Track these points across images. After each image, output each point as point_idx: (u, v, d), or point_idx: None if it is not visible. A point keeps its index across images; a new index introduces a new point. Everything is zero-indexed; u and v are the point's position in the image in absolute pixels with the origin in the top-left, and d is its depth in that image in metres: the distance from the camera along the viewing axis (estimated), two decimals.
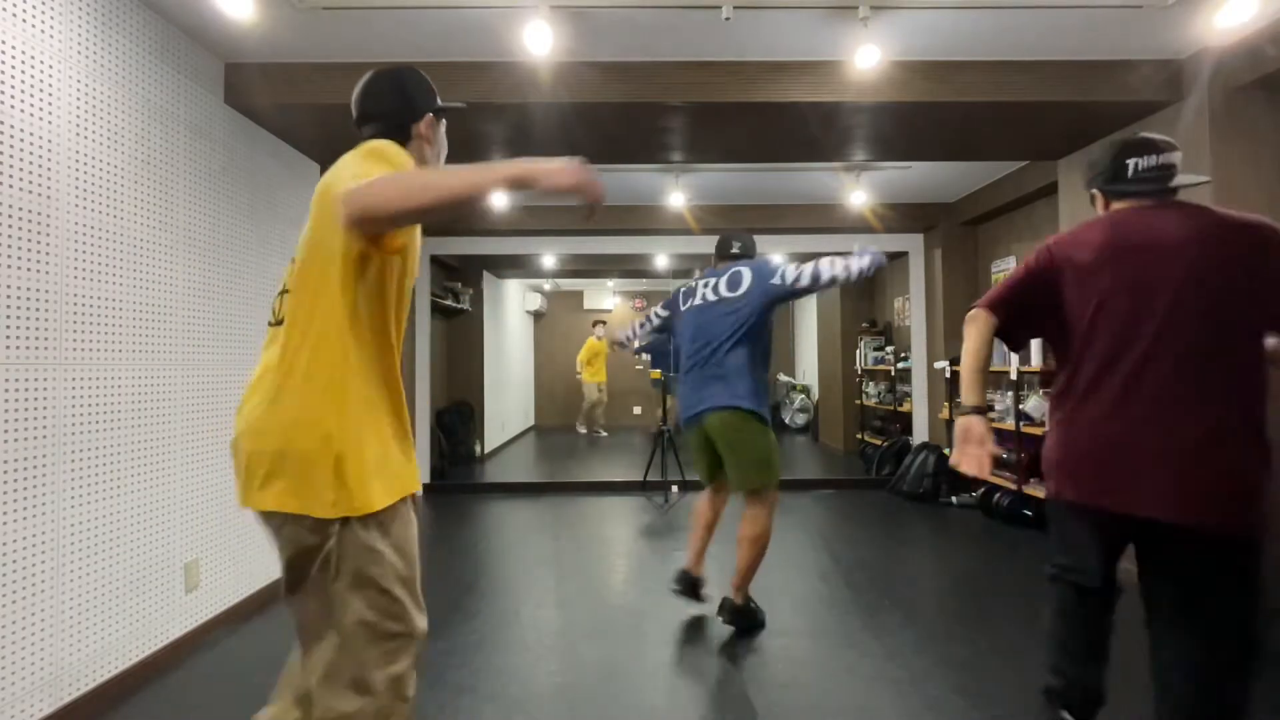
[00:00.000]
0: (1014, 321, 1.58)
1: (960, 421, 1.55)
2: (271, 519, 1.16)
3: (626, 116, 3.17)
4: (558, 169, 1.10)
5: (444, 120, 1.49)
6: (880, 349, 7.11)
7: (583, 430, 9.48)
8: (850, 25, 2.64)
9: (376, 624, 1.14)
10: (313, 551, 1.14)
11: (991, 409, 4.95)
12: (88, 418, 2.14)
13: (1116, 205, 1.52)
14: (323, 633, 1.15)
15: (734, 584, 2.72)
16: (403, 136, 1.35)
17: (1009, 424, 4.54)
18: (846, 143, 3.61)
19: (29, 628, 1.93)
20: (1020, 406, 4.41)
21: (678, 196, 4.74)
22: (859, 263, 2.53)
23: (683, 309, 2.81)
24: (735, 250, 2.80)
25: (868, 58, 2.66)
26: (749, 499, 2.65)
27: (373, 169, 1.18)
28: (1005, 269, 5.15)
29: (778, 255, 2.75)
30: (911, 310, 6.03)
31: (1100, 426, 1.42)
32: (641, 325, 3.12)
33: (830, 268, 2.49)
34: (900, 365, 6.51)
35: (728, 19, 2.52)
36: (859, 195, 4.81)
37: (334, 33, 2.70)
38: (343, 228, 1.09)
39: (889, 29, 2.68)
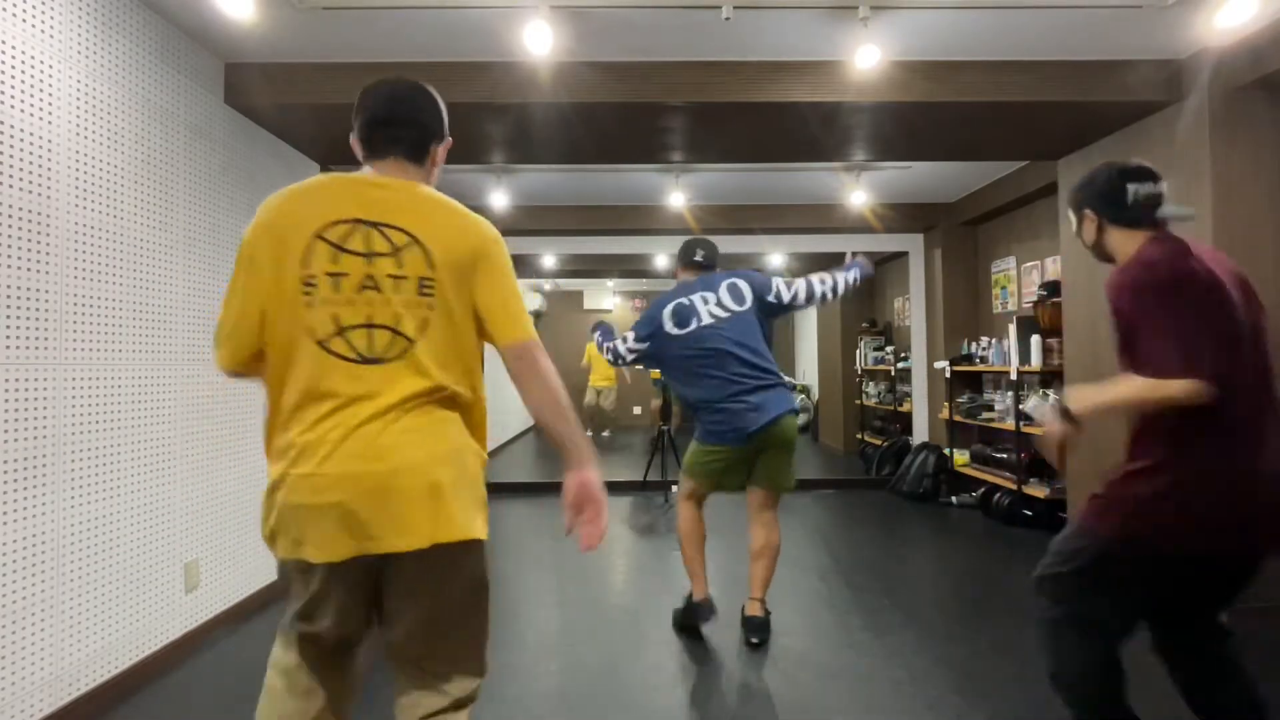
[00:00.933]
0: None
1: (1061, 428, 1.47)
2: (449, 550, 1.17)
3: (626, 116, 3.17)
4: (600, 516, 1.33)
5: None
6: (880, 349, 7.11)
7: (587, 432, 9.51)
8: (850, 25, 2.64)
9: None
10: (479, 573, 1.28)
11: (991, 408, 4.96)
12: (88, 418, 2.14)
13: (1116, 231, 1.53)
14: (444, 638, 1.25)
15: (758, 597, 2.63)
16: (421, 157, 1.31)
17: (1009, 424, 4.54)
18: (846, 143, 3.62)
19: (29, 628, 1.93)
20: (1020, 406, 4.41)
21: (678, 196, 4.74)
22: (847, 275, 2.67)
23: (680, 332, 2.57)
24: (699, 258, 2.70)
25: (868, 58, 2.66)
26: (768, 504, 2.64)
27: (529, 327, 1.30)
28: (1005, 269, 5.15)
29: (775, 280, 2.69)
30: (911, 310, 6.03)
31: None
32: (615, 359, 2.73)
33: (821, 284, 2.64)
34: (900, 365, 6.51)
35: (728, 19, 2.52)
36: (859, 195, 4.81)
37: (334, 33, 2.70)
38: (509, 360, 1.26)
39: (889, 29, 2.68)
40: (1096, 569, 1.45)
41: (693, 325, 2.56)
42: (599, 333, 2.88)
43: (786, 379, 2.66)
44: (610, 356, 2.72)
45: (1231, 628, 1.49)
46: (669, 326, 2.59)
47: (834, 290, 2.66)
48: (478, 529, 1.20)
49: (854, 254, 2.88)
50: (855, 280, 2.72)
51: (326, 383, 1.14)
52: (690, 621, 2.66)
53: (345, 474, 1.10)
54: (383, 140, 1.27)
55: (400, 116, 1.28)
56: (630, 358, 2.69)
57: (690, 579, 2.68)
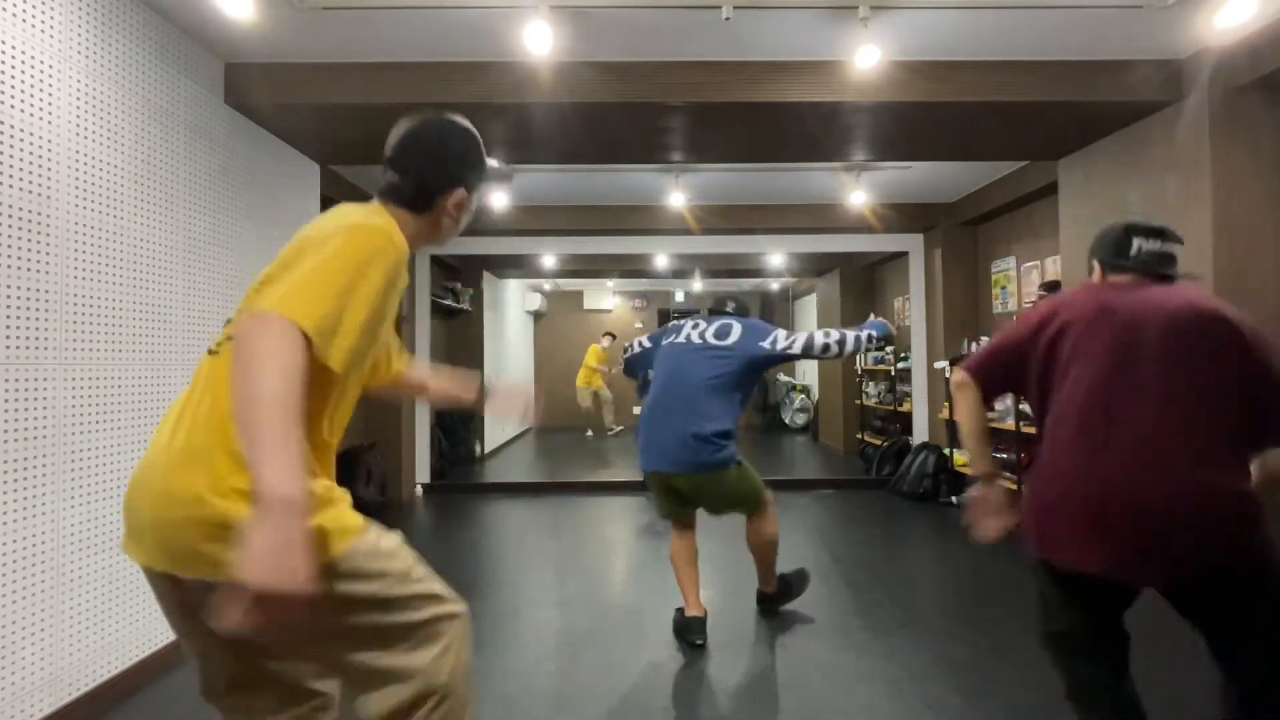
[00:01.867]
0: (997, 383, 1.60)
1: (974, 494, 1.57)
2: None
3: (626, 116, 3.17)
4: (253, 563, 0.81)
5: (478, 191, 1.29)
6: (880, 349, 7.11)
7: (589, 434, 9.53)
8: (850, 25, 2.64)
9: None
10: None
11: (992, 409, 4.95)
12: (88, 418, 2.14)
13: (1112, 278, 1.54)
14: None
15: (763, 582, 2.87)
16: (422, 204, 1.18)
17: (1009, 424, 4.54)
18: (846, 143, 3.61)
19: (29, 628, 1.93)
20: (1020, 406, 4.41)
21: (678, 196, 4.74)
22: (860, 332, 2.53)
23: (664, 343, 2.71)
24: (729, 310, 2.75)
25: (868, 58, 2.66)
26: (749, 517, 2.73)
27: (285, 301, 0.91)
28: (1005, 269, 5.15)
29: (777, 330, 2.62)
30: (911, 310, 6.03)
31: None
32: (625, 351, 3.00)
33: (825, 337, 2.51)
34: (900, 365, 6.51)
35: (728, 19, 2.52)
36: (859, 195, 4.81)
37: (334, 33, 2.70)
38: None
39: (889, 29, 2.68)
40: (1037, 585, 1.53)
41: (670, 339, 2.69)
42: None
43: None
44: (626, 350, 2.97)
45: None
46: (663, 337, 2.75)
47: (840, 344, 2.48)
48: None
49: (875, 315, 2.89)
50: (871, 339, 2.56)
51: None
52: (684, 636, 2.63)
53: None
54: (383, 184, 1.20)
55: (396, 159, 1.18)
56: (636, 350, 2.90)
57: (682, 595, 2.69)
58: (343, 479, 1.11)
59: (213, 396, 1.00)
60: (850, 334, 2.51)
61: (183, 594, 1.03)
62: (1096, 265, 1.59)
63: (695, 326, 2.66)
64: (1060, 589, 1.46)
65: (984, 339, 5.12)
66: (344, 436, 1.18)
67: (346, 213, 1.07)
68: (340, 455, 1.20)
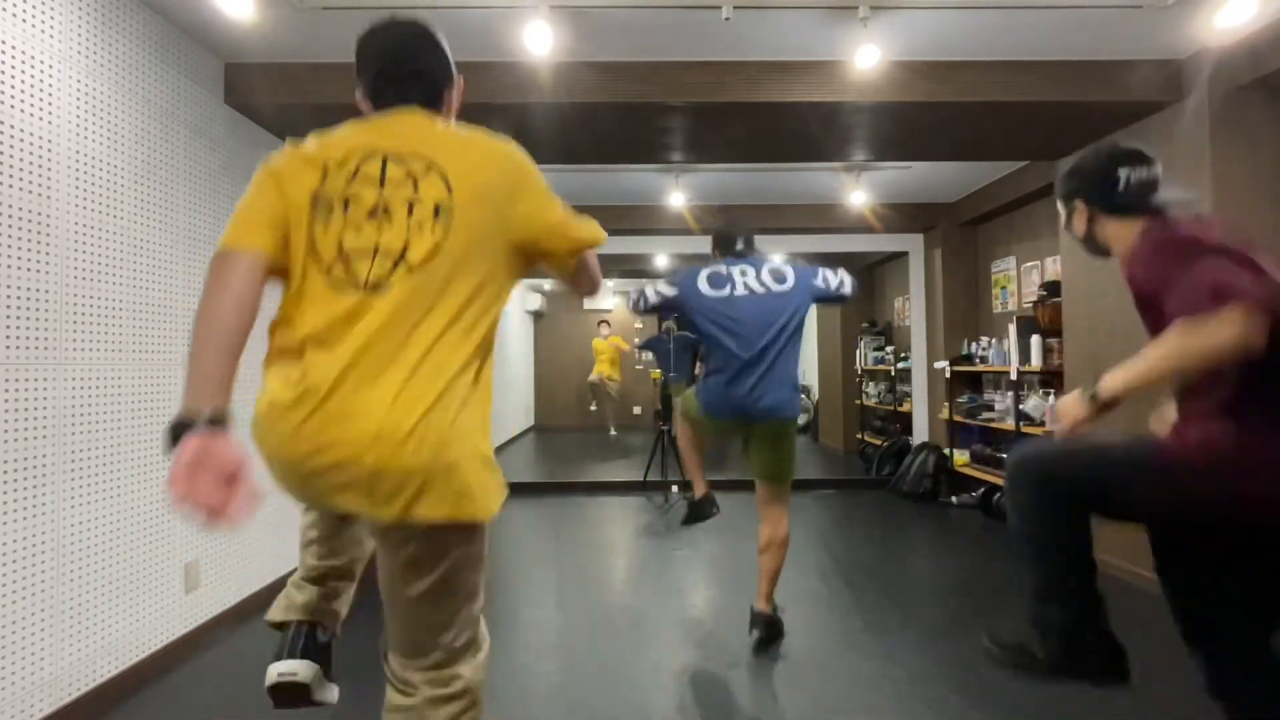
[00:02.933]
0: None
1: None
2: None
3: (626, 116, 3.17)
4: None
5: None
6: (880, 349, 7.11)
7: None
8: (850, 25, 2.64)
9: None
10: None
11: (991, 408, 4.96)
12: (88, 418, 2.14)
13: (1109, 222, 1.39)
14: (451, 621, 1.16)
15: (768, 594, 2.59)
16: (436, 105, 1.23)
17: (1009, 424, 4.54)
18: (847, 143, 3.62)
19: (29, 628, 1.93)
20: (1020, 406, 4.41)
21: (678, 196, 4.74)
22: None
23: (713, 294, 2.49)
24: (740, 248, 2.60)
25: (868, 58, 2.66)
26: (771, 497, 2.58)
27: (584, 231, 1.31)
28: (1005, 269, 5.15)
29: (820, 267, 2.61)
30: (911, 310, 6.03)
31: None
32: (640, 302, 2.64)
33: (848, 280, 2.60)
34: (900, 365, 6.51)
35: (728, 19, 2.52)
36: (859, 195, 4.81)
37: (334, 33, 2.70)
38: (557, 262, 1.25)
39: (889, 29, 2.68)
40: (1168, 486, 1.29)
41: (726, 291, 2.48)
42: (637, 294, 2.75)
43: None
44: (636, 299, 2.62)
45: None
46: (703, 287, 2.51)
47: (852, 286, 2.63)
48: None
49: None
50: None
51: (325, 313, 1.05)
52: (697, 517, 2.74)
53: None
54: (393, 95, 1.21)
55: (406, 70, 1.21)
56: (655, 300, 2.58)
57: (692, 481, 2.80)
58: None
59: (434, 338, 1.06)
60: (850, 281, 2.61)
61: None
62: (1082, 207, 1.42)
63: (744, 273, 2.51)
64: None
65: (984, 339, 5.12)
66: None
67: (511, 147, 1.23)
68: None
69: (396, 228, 1.07)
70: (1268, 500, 1.22)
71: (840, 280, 2.56)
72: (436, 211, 1.08)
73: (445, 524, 1.06)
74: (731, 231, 2.66)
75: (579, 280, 1.32)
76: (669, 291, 2.56)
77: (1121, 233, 1.38)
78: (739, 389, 2.42)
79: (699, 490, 2.76)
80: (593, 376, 9.37)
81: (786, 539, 2.57)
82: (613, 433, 9.38)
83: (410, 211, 1.08)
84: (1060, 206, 1.51)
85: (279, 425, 1.02)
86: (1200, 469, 1.25)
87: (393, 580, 1.12)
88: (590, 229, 1.27)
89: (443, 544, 1.10)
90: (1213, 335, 1.07)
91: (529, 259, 1.21)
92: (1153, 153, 1.39)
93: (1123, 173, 1.36)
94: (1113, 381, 1.25)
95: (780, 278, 2.50)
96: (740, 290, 2.48)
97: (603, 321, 9.59)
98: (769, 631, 2.55)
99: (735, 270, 2.52)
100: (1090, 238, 1.44)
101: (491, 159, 1.17)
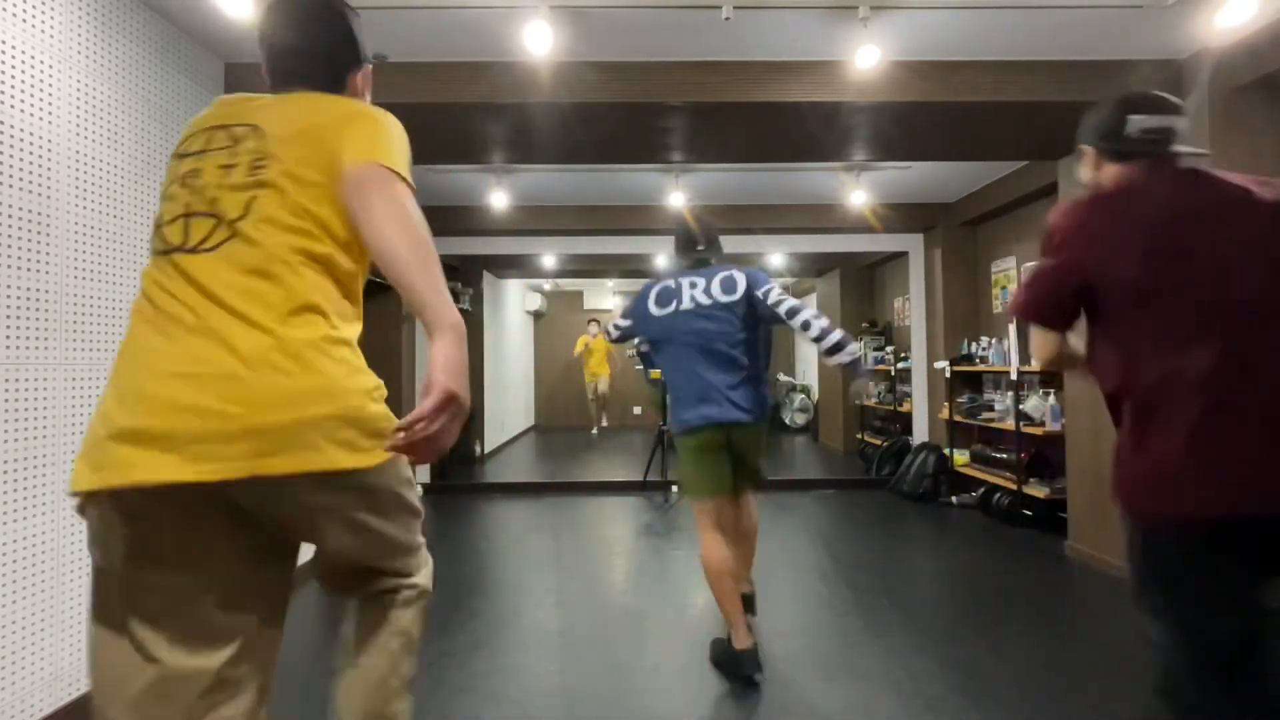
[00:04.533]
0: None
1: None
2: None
3: (626, 116, 3.17)
4: (438, 409, 0.91)
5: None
6: (880, 349, 7.11)
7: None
8: (850, 25, 2.64)
9: None
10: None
11: (991, 408, 4.96)
12: (88, 418, 2.13)
13: (1110, 167, 1.34)
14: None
15: (745, 573, 2.71)
16: (337, 86, 1.15)
17: (1009, 424, 4.54)
18: (846, 143, 3.62)
19: (29, 628, 1.93)
20: (1020, 406, 4.41)
21: (678, 196, 4.74)
22: (840, 336, 2.26)
23: (660, 313, 2.49)
24: (700, 251, 2.59)
25: (868, 58, 2.66)
26: (748, 492, 2.62)
27: (402, 167, 1.06)
28: (1005, 269, 5.15)
29: (773, 282, 2.51)
30: (911, 310, 6.03)
31: None
32: (610, 334, 2.74)
33: (809, 312, 2.32)
34: (900, 365, 6.51)
35: (728, 19, 2.52)
36: (859, 195, 4.81)
37: None
38: (347, 189, 1.01)
39: (889, 29, 2.68)
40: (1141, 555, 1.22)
41: (672, 306, 2.47)
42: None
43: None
44: (607, 335, 2.77)
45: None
46: (652, 308, 2.51)
47: (824, 331, 2.25)
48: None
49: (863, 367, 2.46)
50: (844, 357, 2.24)
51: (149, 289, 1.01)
52: (732, 671, 2.31)
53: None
54: (285, 73, 1.13)
55: (303, 47, 1.13)
56: (615, 335, 2.69)
57: (728, 623, 2.35)
58: None
59: (276, 287, 0.98)
60: (836, 333, 2.26)
61: (216, 508, 1.00)
62: (1090, 151, 1.39)
63: (693, 286, 2.47)
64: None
65: (984, 339, 5.12)
66: None
67: (361, 103, 1.13)
68: None
69: (207, 187, 1.03)
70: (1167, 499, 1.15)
71: (785, 301, 2.36)
72: (253, 166, 1.02)
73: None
74: (692, 232, 2.62)
75: (372, 214, 0.99)
76: (625, 323, 2.63)
77: (1116, 179, 1.33)
78: (703, 402, 2.39)
79: (740, 641, 2.29)
80: (589, 382, 9.40)
81: (756, 527, 2.68)
82: (594, 430, 9.39)
83: (227, 170, 1.03)
84: (1078, 154, 1.46)
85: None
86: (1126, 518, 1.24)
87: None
88: (387, 149, 1.04)
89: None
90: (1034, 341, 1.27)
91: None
92: (1175, 102, 1.31)
93: (1131, 118, 1.31)
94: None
95: (730, 287, 2.45)
96: (686, 304, 2.45)
97: (592, 320, 9.67)
98: (751, 605, 2.71)
99: (685, 283, 2.49)
100: (1098, 186, 1.37)
101: (325, 103, 1.08)
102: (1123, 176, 1.30)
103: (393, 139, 1.07)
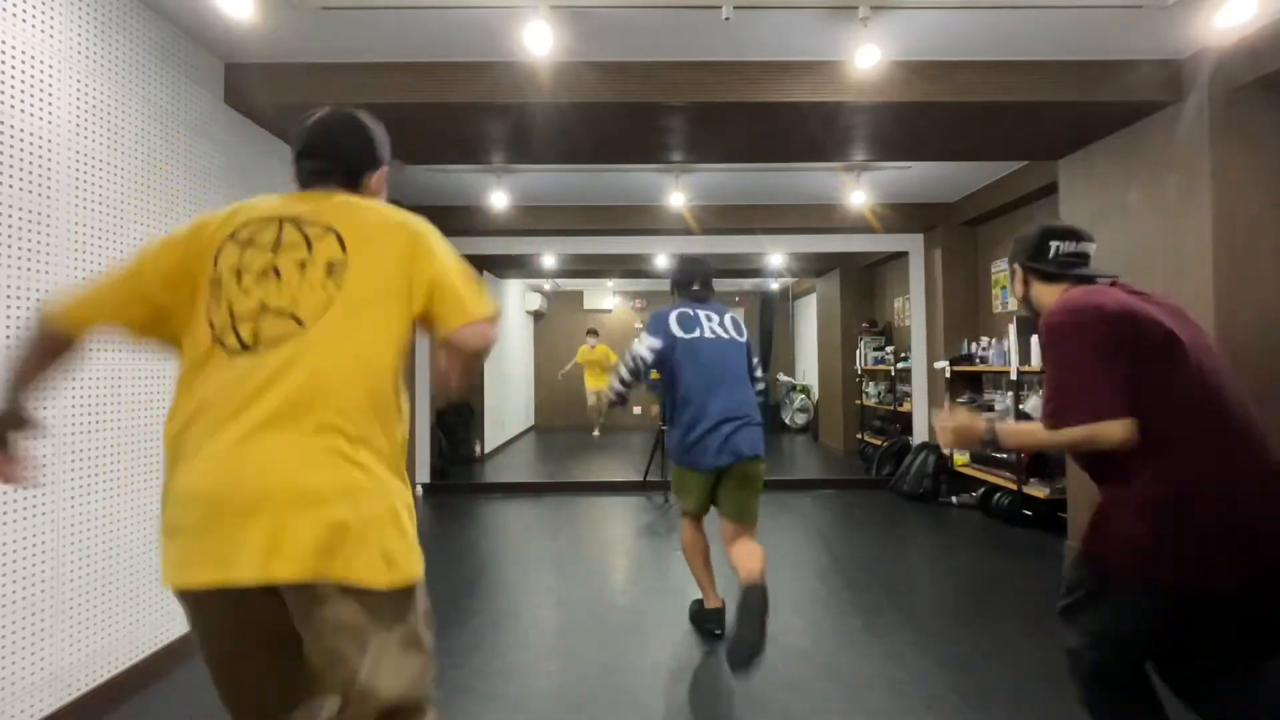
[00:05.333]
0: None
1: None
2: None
3: (626, 116, 3.17)
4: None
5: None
6: (880, 349, 7.11)
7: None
8: (850, 25, 2.64)
9: None
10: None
11: (991, 408, 4.96)
12: (88, 418, 2.14)
13: (1038, 285, 1.57)
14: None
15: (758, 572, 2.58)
16: (354, 187, 1.26)
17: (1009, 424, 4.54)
18: (847, 143, 3.61)
19: (29, 628, 1.93)
20: (1020, 406, 4.41)
21: (678, 196, 4.74)
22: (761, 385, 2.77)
23: (685, 336, 2.60)
24: (697, 288, 2.74)
25: (868, 58, 2.66)
26: (742, 533, 2.54)
27: (484, 305, 1.16)
28: (1005, 269, 5.15)
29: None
30: (911, 310, 6.03)
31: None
32: (631, 374, 2.69)
33: (760, 372, 2.78)
34: (900, 365, 6.51)
35: (728, 19, 2.52)
36: (859, 195, 4.81)
37: (334, 33, 2.70)
38: (446, 335, 1.12)
39: (889, 29, 2.68)
40: (1102, 601, 1.40)
41: (696, 333, 2.61)
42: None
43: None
44: (630, 364, 2.65)
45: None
46: (676, 329, 2.62)
47: (763, 392, 2.78)
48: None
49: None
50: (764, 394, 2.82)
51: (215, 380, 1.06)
52: (703, 626, 2.71)
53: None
54: (309, 174, 1.24)
55: (324, 149, 1.25)
56: (650, 356, 2.61)
57: (700, 588, 2.72)
58: None
59: (333, 402, 1.05)
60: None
61: (273, 610, 1.05)
62: (1017, 269, 1.62)
63: (710, 319, 2.66)
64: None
65: (984, 339, 5.12)
66: None
67: (410, 214, 1.19)
68: None
69: (286, 287, 1.08)
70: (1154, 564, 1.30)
71: (759, 369, 2.77)
72: (330, 269, 1.08)
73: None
74: (691, 273, 2.77)
75: (453, 356, 1.13)
76: (656, 343, 2.61)
77: (1046, 295, 1.54)
78: (715, 433, 2.48)
79: (710, 601, 2.70)
80: (590, 389, 9.32)
81: (758, 559, 2.47)
82: (595, 433, 9.37)
83: (303, 270, 1.08)
84: (1010, 273, 1.69)
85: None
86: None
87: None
88: (484, 300, 1.16)
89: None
90: (1095, 439, 1.31)
91: (425, 322, 1.16)
92: (1086, 232, 1.55)
93: (1052, 244, 1.53)
94: (1006, 436, 1.48)
95: (739, 329, 2.72)
96: (708, 334, 2.63)
97: (591, 330, 9.50)
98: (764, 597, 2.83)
99: (702, 314, 2.67)
100: (1026, 299, 1.62)
101: (391, 222, 1.16)
102: (1062, 293, 1.48)
103: (464, 273, 1.18)
